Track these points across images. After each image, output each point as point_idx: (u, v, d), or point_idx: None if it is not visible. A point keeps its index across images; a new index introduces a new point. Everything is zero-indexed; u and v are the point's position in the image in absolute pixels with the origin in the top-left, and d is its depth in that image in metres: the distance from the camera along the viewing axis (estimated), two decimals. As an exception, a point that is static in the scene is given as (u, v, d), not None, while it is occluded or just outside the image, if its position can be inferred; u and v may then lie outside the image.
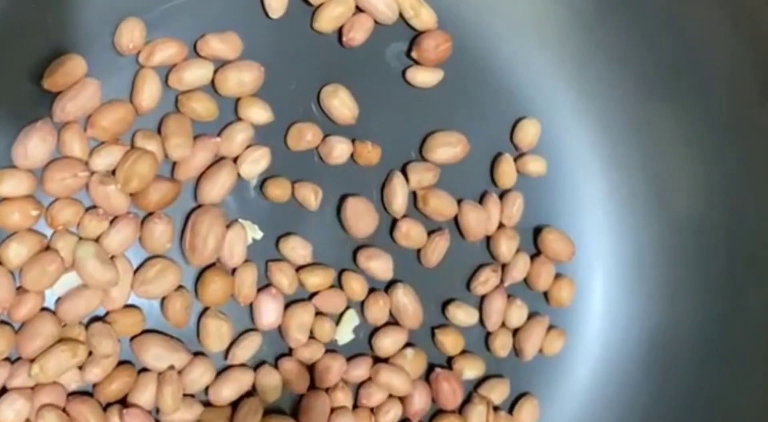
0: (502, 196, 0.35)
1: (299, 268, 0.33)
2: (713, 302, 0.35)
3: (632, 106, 0.35)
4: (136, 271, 0.31)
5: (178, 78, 0.32)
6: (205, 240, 0.31)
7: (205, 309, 0.32)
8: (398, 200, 0.33)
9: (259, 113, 0.32)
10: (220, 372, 0.32)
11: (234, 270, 0.32)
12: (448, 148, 0.34)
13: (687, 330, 0.35)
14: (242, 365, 0.32)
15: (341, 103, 0.33)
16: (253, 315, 0.32)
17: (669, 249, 0.36)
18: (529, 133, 0.35)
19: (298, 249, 0.33)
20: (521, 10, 0.35)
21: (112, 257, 0.31)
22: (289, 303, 0.33)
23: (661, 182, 0.36)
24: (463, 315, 0.34)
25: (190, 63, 0.32)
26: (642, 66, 0.35)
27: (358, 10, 0.33)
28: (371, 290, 0.34)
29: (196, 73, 0.32)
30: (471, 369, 0.34)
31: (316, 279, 0.33)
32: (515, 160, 0.35)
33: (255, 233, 0.33)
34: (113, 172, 0.31)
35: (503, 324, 0.35)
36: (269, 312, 0.32)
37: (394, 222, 0.34)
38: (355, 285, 0.33)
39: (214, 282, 0.31)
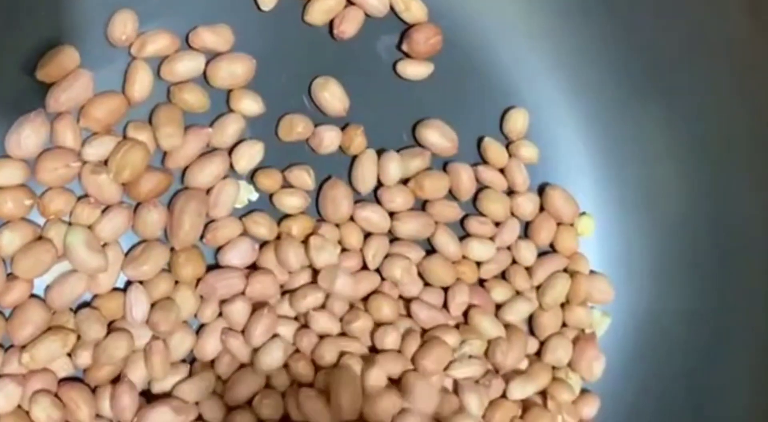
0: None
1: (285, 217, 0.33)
2: (700, 295, 0.35)
3: (621, 98, 0.35)
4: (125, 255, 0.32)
5: (170, 69, 0.32)
6: (180, 220, 0.31)
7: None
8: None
9: (250, 105, 0.33)
10: (199, 329, 0.32)
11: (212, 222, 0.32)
12: (439, 138, 0.34)
13: (673, 323, 0.36)
14: (218, 316, 0.32)
15: (332, 96, 0.33)
16: (220, 258, 0.32)
17: (657, 241, 0.36)
18: (518, 122, 0.35)
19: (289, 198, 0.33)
20: (511, 3, 0.35)
21: (105, 244, 0.31)
22: (263, 245, 0.33)
23: (650, 175, 0.36)
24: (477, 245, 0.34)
25: (182, 55, 0.32)
26: (631, 58, 0.35)
27: (349, 2, 0.34)
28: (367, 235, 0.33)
29: (188, 65, 0.32)
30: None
31: (299, 224, 0.33)
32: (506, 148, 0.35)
33: (250, 193, 0.33)
34: (105, 162, 0.31)
35: (514, 262, 0.35)
36: (236, 256, 0.32)
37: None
38: (353, 233, 0.33)
39: (186, 263, 0.32)
